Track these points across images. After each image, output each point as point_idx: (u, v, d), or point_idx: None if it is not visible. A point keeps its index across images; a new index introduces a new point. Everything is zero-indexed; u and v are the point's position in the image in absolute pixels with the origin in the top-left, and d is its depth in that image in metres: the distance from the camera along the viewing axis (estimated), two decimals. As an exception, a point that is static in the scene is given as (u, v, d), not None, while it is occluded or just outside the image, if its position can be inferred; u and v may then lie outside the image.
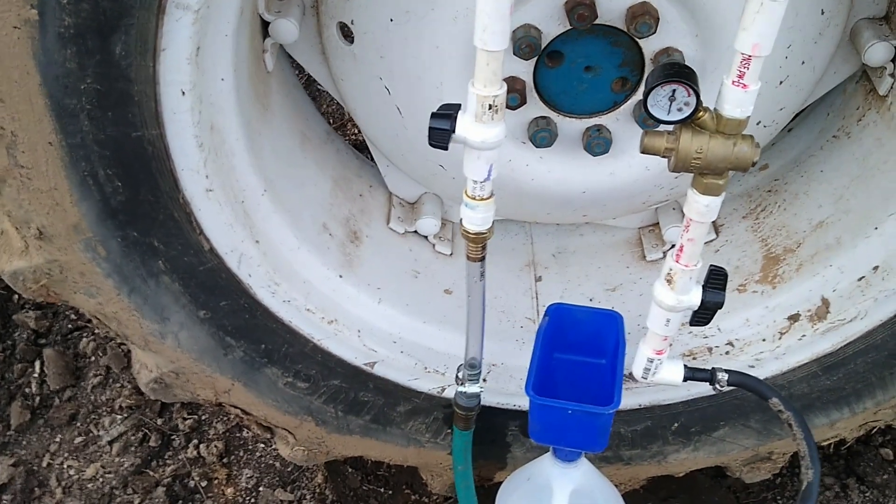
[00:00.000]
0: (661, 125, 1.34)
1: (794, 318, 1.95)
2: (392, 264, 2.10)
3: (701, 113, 1.32)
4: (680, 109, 1.32)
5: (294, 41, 1.81)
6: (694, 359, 2.04)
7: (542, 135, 1.82)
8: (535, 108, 1.81)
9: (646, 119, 1.72)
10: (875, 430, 2.10)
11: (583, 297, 2.23)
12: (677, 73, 1.30)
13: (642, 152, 1.38)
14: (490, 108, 1.34)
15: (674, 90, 1.30)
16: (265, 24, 1.78)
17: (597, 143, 1.83)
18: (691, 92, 1.30)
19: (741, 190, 2.23)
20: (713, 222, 2.18)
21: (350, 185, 2.15)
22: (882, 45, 1.80)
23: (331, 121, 3.33)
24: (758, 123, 1.85)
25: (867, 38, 1.81)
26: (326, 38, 1.85)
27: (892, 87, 1.87)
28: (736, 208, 2.21)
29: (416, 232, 2.20)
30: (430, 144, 1.38)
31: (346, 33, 1.79)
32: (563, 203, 2.01)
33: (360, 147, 2.33)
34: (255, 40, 1.75)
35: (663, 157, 1.38)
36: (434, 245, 2.20)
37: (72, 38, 1.32)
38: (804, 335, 1.92)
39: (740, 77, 1.25)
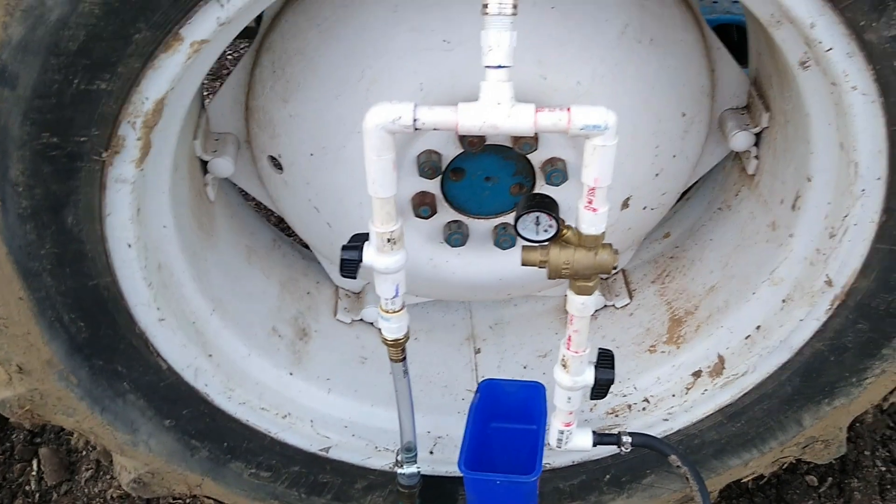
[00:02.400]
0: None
1: (697, 374, 2.18)
2: (340, 354, 2.33)
3: (565, 231, 1.57)
4: (546, 230, 1.57)
5: (231, 174, 2.05)
6: (616, 416, 2.27)
7: (455, 236, 2.06)
8: (446, 214, 2.06)
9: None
10: (787, 463, 2.32)
11: (517, 365, 2.46)
12: (538, 203, 1.54)
13: (522, 265, 1.62)
14: (389, 241, 1.58)
15: (538, 216, 1.55)
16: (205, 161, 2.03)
17: (503, 239, 2.08)
18: (552, 218, 1.54)
19: (649, 257, 2.48)
20: (627, 287, 2.44)
21: (297, 284, 2.39)
22: (744, 134, 2.06)
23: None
24: (644, 208, 2.10)
25: (731, 127, 2.07)
26: (260, 167, 2.10)
27: (758, 168, 2.13)
28: (646, 273, 2.45)
29: (362, 320, 2.43)
30: (342, 274, 1.62)
31: (276, 164, 2.04)
32: (484, 288, 2.25)
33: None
34: (194, 179, 1.99)
35: (539, 267, 1.62)
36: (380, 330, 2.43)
37: (30, 216, 1.57)
38: (706, 389, 2.15)
39: (590, 203, 1.49)
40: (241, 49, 4.66)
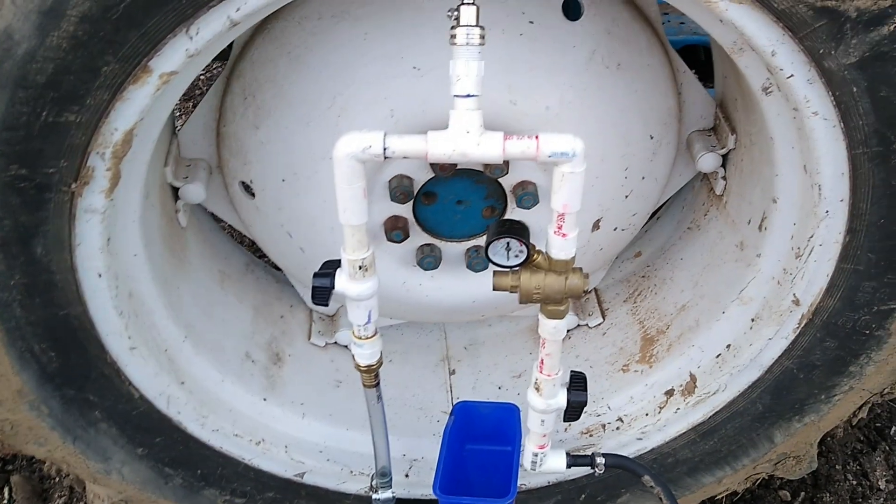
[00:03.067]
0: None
1: (669, 393, 2.20)
2: (314, 378, 2.32)
3: (535, 256, 1.59)
4: (517, 256, 1.58)
5: (203, 200, 2.05)
6: (591, 436, 2.28)
7: (427, 260, 2.07)
8: (419, 238, 2.07)
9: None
10: (760, 479, 2.35)
11: (492, 385, 2.47)
12: (509, 229, 1.56)
13: (494, 290, 1.64)
14: (360, 268, 1.58)
15: (508, 242, 1.56)
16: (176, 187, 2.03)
17: (476, 261, 2.09)
18: (522, 243, 1.56)
19: (621, 276, 2.50)
20: (600, 306, 2.46)
21: (271, 309, 2.39)
22: (710, 155, 2.09)
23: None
24: (614, 229, 2.12)
25: (698, 149, 2.11)
26: (232, 193, 2.10)
27: (725, 188, 2.16)
28: (618, 293, 2.48)
29: (336, 343, 2.43)
30: (313, 302, 1.62)
31: (248, 190, 2.04)
32: (458, 310, 2.26)
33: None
34: (166, 206, 1.99)
35: (511, 292, 1.63)
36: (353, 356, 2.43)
37: (-2, 247, 1.55)
38: (679, 408, 2.17)
39: (559, 228, 1.51)
40: (215, 69, 4.66)
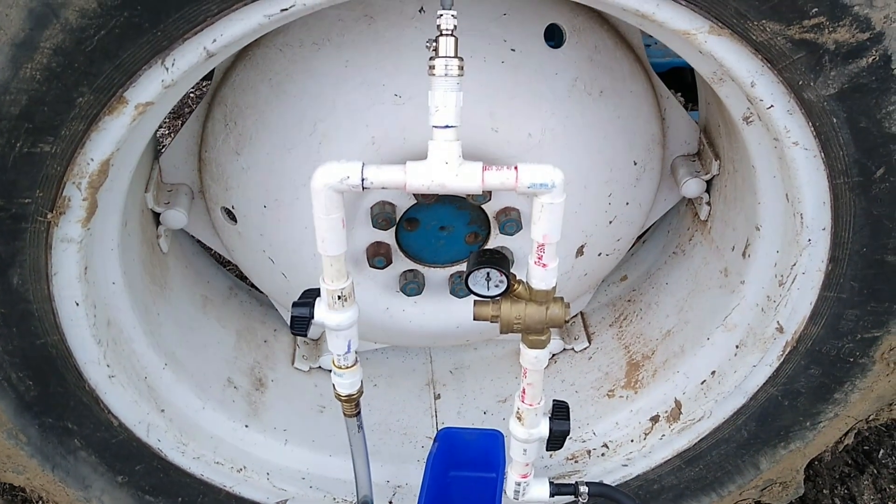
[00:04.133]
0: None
1: (654, 419, 2.19)
2: (298, 404, 2.31)
3: (516, 286, 1.57)
4: (497, 286, 1.57)
5: (185, 225, 2.04)
6: (576, 462, 2.26)
7: (410, 286, 2.06)
8: (402, 263, 2.05)
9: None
10: (747, 505, 2.33)
11: (478, 410, 2.45)
12: (489, 259, 1.55)
13: (475, 319, 1.62)
14: (339, 298, 1.57)
15: (488, 272, 1.55)
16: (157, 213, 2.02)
17: (459, 287, 2.08)
18: (502, 273, 1.55)
19: (607, 300, 2.49)
20: (586, 330, 2.45)
21: (254, 333, 2.37)
22: (695, 181, 2.09)
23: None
24: (599, 255, 2.11)
25: (682, 174, 2.10)
26: (214, 218, 2.09)
27: (710, 214, 2.16)
28: (604, 317, 2.47)
29: (320, 367, 2.41)
30: (292, 332, 1.61)
31: (230, 215, 2.03)
32: (442, 336, 2.25)
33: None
34: (146, 232, 1.98)
35: (492, 322, 1.62)
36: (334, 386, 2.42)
37: (-27, 277, 1.54)
38: (664, 434, 2.16)
39: (540, 259, 1.50)
40: (205, 87, 4.66)
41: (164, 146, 2.10)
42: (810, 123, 1.51)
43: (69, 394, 1.78)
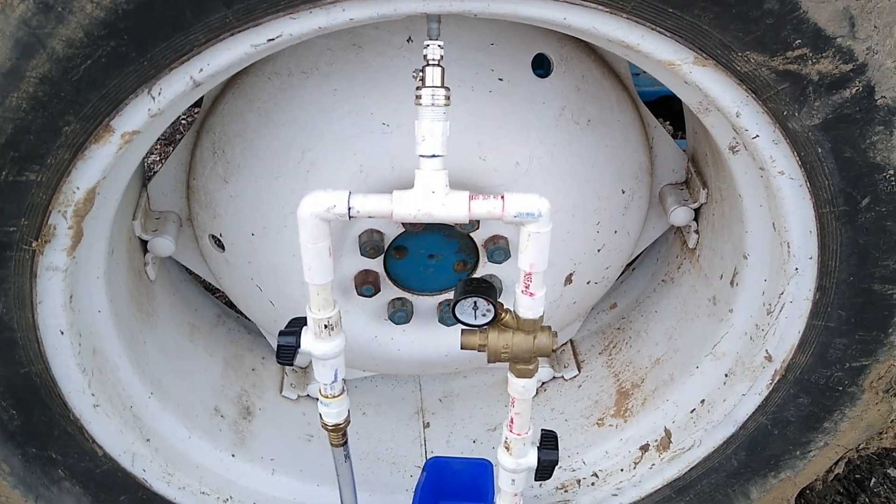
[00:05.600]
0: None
1: (644, 448, 2.18)
2: (285, 432, 2.29)
3: (503, 314, 1.57)
4: (484, 315, 1.57)
5: (172, 253, 2.03)
6: (566, 491, 2.25)
7: (399, 314, 2.05)
8: (390, 291, 2.05)
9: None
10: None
11: (467, 439, 2.44)
12: (476, 289, 1.54)
13: (462, 348, 1.62)
14: (326, 327, 1.57)
15: (475, 301, 1.55)
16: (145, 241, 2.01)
17: (448, 315, 2.08)
18: (490, 303, 1.54)
19: (596, 327, 2.49)
20: (575, 358, 2.44)
21: (242, 361, 2.36)
22: (683, 209, 2.10)
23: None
24: (587, 283, 2.11)
25: (670, 203, 2.11)
26: (202, 245, 2.09)
27: (698, 242, 2.16)
28: (594, 345, 2.46)
29: (308, 395, 2.40)
30: (278, 361, 1.60)
31: (218, 243, 2.02)
32: (431, 364, 2.24)
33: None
34: (133, 259, 1.97)
35: (479, 351, 1.62)
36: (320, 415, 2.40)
37: (-44, 306, 1.53)
38: (654, 464, 2.15)
39: (527, 288, 1.50)
40: (195, 113, 4.67)
41: (153, 172, 2.10)
42: (795, 153, 1.52)
43: (53, 423, 1.77)
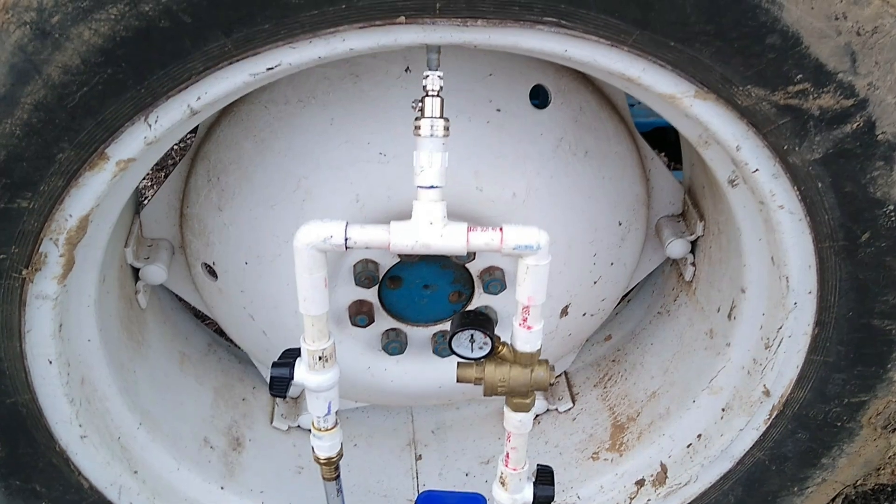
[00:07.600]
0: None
1: (640, 483, 2.15)
2: (275, 464, 2.25)
3: (500, 347, 1.55)
4: (480, 348, 1.55)
5: (164, 281, 2.01)
6: (559, 527, 2.21)
7: (393, 345, 2.03)
8: (384, 322, 2.03)
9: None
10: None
11: (459, 472, 2.40)
12: (472, 321, 1.52)
13: (458, 381, 1.59)
14: (320, 359, 1.54)
15: (472, 334, 1.53)
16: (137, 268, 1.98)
17: (442, 347, 2.05)
18: (486, 335, 1.52)
19: (591, 359, 2.46)
20: (570, 390, 2.42)
21: (232, 391, 2.32)
22: (679, 242, 2.09)
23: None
24: (583, 315, 2.09)
25: (667, 235, 2.10)
26: (194, 274, 2.06)
27: (694, 275, 2.15)
28: (588, 377, 2.44)
29: (299, 426, 2.36)
30: (272, 393, 1.57)
31: (211, 271, 2.00)
32: (425, 395, 2.21)
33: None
34: (125, 287, 1.94)
35: (475, 384, 1.59)
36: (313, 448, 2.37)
37: (-58, 335, 1.50)
38: (650, 499, 2.12)
39: (524, 321, 1.48)
40: (189, 140, 4.65)
41: (146, 198, 2.08)
42: (795, 187, 1.51)
43: (38, 454, 1.73)
